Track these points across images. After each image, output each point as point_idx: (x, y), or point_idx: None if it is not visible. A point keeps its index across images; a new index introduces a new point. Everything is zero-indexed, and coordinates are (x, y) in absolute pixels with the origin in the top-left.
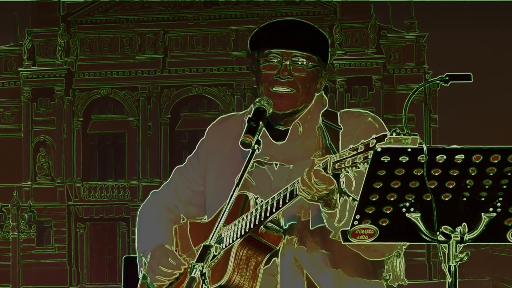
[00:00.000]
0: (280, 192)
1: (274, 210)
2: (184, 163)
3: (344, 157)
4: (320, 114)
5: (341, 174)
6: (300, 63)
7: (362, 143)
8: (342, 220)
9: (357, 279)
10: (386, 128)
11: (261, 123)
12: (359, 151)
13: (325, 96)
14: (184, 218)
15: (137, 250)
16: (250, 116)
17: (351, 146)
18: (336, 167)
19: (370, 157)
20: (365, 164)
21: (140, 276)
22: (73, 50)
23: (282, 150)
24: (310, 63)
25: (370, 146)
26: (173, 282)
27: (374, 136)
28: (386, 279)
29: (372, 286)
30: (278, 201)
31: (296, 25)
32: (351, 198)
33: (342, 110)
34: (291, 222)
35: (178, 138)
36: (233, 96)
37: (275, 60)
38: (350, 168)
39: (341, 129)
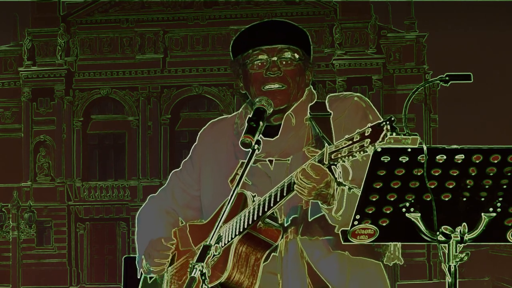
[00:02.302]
0: (277, 187)
1: (272, 205)
2: (180, 168)
3: (340, 147)
4: (308, 107)
5: (337, 165)
6: (287, 56)
7: (357, 132)
8: (340, 210)
9: (360, 259)
10: (373, 107)
11: (261, 123)
12: (354, 140)
13: (314, 91)
14: (182, 221)
15: (137, 252)
16: (250, 116)
17: (346, 136)
18: (333, 157)
19: (365, 145)
20: (361, 153)
21: (141, 279)
22: (73, 50)
23: (277, 144)
24: (297, 56)
25: (366, 134)
26: (173, 276)
27: (369, 125)
28: (382, 258)
29: (374, 268)
30: (275, 195)
31: (275, 23)
32: (347, 187)
33: (328, 96)
34: (293, 216)
35: (178, 138)
36: (233, 96)
37: (262, 58)
38: (346, 157)
39: (330, 114)
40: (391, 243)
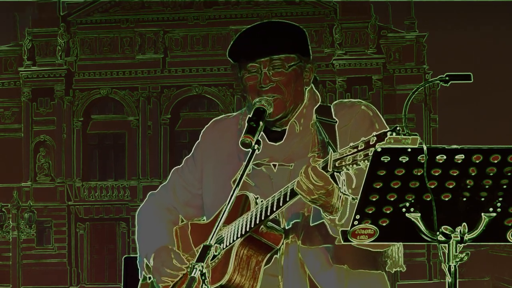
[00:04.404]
0: (281, 191)
1: (274, 209)
2: (182, 165)
3: (345, 154)
4: (314, 111)
5: (341, 173)
6: (278, 66)
7: (362, 140)
8: (343, 218)
9: (360, 271)
10: (380, 115)
11: (261, 123)
12: (359, 148)
13: (317, 92)
14: (183, 219)
15: (138, 252)
16: (250, 116)
17: (351, 144)
18: (337, 165)
19: (370, 154)
20: (366, 161)
21: (141, 278)
22: (73, 50)
23: (281, 150)
24: (288, 64)
25: (371, 143)
26: (176, 282)
27: (374, 133)
28: (385, 266)
29: (375, 278)
30: (278, 199)
31: (268, 29)
32: (350, 197)
33: (334, 102)
34: (294, 221)
35: (178, 138)
36: (233, 96)
37: (255, 71)
38: (350, 165)
39: (336, 122)
40: (393, 250)
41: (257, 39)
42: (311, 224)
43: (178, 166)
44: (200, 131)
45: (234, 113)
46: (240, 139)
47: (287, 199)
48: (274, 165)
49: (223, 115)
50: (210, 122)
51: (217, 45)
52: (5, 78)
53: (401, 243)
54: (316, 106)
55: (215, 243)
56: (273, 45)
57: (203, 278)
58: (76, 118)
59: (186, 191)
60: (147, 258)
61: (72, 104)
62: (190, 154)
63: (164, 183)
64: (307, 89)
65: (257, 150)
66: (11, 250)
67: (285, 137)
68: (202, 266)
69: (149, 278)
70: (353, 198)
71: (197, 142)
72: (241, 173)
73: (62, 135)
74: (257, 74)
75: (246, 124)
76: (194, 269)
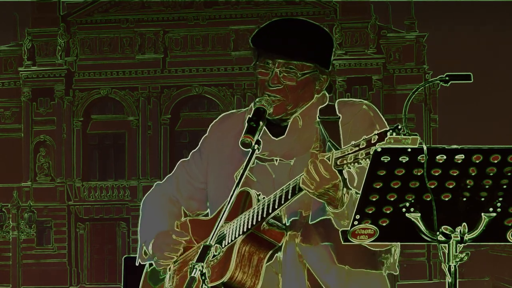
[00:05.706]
0: (282, 189)
1: (276, 207)
2: (188, 158)
3: (346, 153)
4: (318, 110)
5: (342, 171)
6: (290, 71)
7: (364, 139)
8: (346, 213)
9: (360, 270)
10: (381, 116)
11: (261, 123)
12: (361, 147)
13: (326, 93)
14: (185, 211)
15: (139, 239)
16: (250, 116)
17: (353, 142)
18: (338, 163)
19: (371, 152)
20: (367, 160)
21: (144, 270)
22: (73, 50)
23: (281, 145)
24: (301, 72)
25: (372, 142)
26: (177, 259)
27: (376, 132)
28: (387, 266)
29: (375, 278)
30: (280, 197)
31: (295, 30)
32: (354, 191)
33: (337, 100)
34: (292, 218)
35: (178, 138)
36: (233, 96)
37: (268, 67)
38: (352, 164)
39: (339, 118)
40: (391, 254)
41: (281, 37)
42: (310, 222)
43: (185, 159)
44: (200, 131)
45: (243, 109)
46: (240, 139)
47: (289, 197)
48: (277, 160)
49: (232, 111)
50: (219, 116)
51: (217, 45)
52: (5, 78)
53: (398, 246)
54: (322, 106)
55: (216, 241)
56: (293, 49)
57: (203, 278)
58: (76, 118)
59: (189, 185)
60: (146, 244)
61: (72, 104)
62: (197, 148)
63: (170, 174)
64: (316, 96)
65: (257, 150)
66: (11, 250)
67: (286, 132)
68: (202, 266)
69: (150, 265)
70: (356, 193)
71: (204, 136)
72: (241, 172)
73: (62, 135)
74: (269, 71)
75: (246, 124)
76: (194, 269)
